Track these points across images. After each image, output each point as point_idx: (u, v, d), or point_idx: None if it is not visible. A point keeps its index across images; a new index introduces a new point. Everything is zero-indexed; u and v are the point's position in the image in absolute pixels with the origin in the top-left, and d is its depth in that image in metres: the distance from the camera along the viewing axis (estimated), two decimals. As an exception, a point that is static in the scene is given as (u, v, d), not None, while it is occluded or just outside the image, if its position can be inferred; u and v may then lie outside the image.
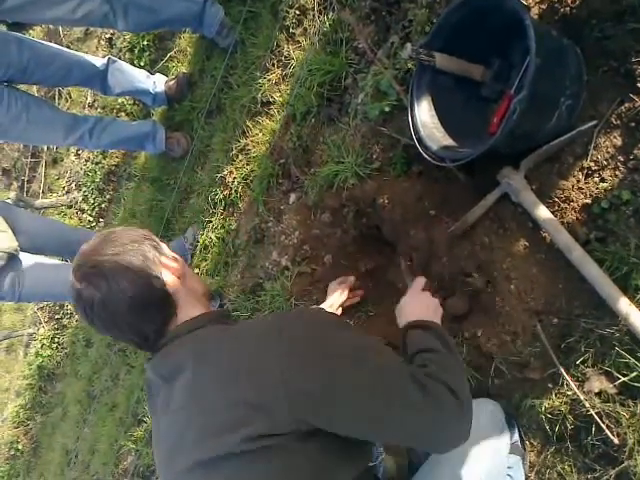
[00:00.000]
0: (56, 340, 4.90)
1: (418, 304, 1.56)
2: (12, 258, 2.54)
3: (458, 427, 1.13)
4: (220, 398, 1.06)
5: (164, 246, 1.30)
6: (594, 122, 1.53)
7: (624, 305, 1.38)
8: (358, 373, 1.08)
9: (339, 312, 2.03)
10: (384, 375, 1.10)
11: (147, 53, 3.79)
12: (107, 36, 4.37)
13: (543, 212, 1.55)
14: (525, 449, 1.59)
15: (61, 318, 4.90)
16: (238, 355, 1.10)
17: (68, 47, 4.51)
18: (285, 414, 1.01)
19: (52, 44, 2.86)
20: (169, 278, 1.22)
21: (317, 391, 1.03)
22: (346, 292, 2.05)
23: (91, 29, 4.63)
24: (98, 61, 3.00)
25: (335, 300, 2.02)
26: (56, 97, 4.83)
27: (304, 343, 1.09)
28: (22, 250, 2.60)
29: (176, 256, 1.32)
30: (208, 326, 1.22)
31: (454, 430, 1.13)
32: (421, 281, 1.69)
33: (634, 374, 1.39)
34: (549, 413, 1.54)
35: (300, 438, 1.03)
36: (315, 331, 1.14)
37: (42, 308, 5.17)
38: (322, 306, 2.01)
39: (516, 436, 1.58)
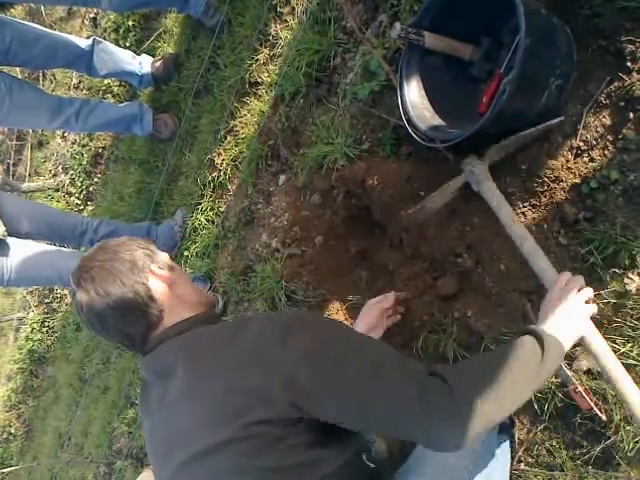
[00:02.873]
0: (46, 324, 4.88)
1: (559, 310, 1.27)
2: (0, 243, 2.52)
3: (447, 432, 1.04)
4: (219, 389, 1.10)
5: (161, 256, 1.37)
6: (561, 118, 1.51)
7: None
8: (356, 367, 1.09)
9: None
10: (380, 369, 1.08)
11: (132, 33, 3.72)
12: (91, 16, 4.28)
13: (501, 202, 1.51)
14: (514, 427, 1.61)
15: (51, 302, 4.87)
16: (236, 349, 1.14)
17: (51, 27, 4.44)
18: (283, 400, 1.05)
19: (35, 25, 2.81)
20: (156, 285, 1.28)
21: (314, 380, 1.06)
22: (388, 313, 1.80)
23: (74, 8, 4.54)
24: (83, 42, 2.94)
25: (372, 323, 1.74)
26: (40, 79, 4.75)
27: (305, 336, 1.12)
28: (10, 235, 2.58)
29: (173, 265, 1.38)
30: (196, 327, 1.27)
31: (442, 433, 1.05)
32: (566, 276, 1.35)
33: (621, 352, 1.41)
34: (538, 392, 1.55)
35: (292, 425, 1.07)
36: (314, 326, 1.18)
37: (31, 292, 5.14)
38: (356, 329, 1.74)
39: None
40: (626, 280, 1.43)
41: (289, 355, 1.08)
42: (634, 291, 1.42)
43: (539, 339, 1.14)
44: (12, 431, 5.35)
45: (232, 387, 1.08)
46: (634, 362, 1.40)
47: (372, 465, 1.28)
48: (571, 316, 1.26)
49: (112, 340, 1.32)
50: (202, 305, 1.38)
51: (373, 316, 1.74)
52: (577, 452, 1.50)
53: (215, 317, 1.42)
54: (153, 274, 1.29)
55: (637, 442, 1.37)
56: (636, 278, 1.42)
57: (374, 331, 1.73)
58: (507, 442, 1.56)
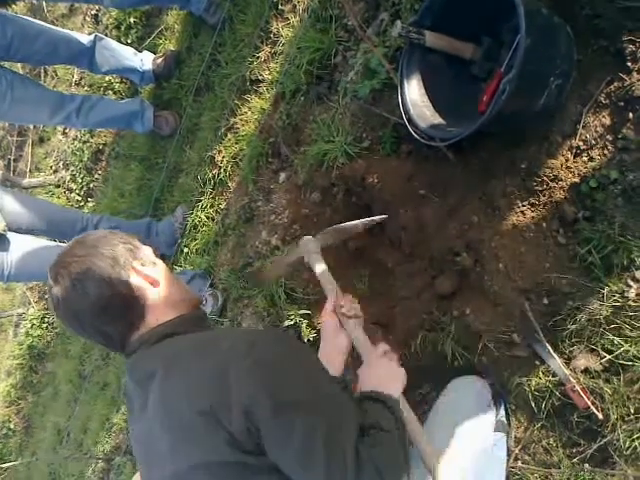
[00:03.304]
0: (46, 320, 4.88)
1: (378, 371, 1.38)
2: (0, 238, 2.52)
3: None
4: (187, 409, 1.06)
5: (145, 251, 1.31)
6: (384, 216, 1.72)
7: None
8: (307, 412, 1.06)
9: None
10: (330, 431, 1.05)
11: (134, 30, 3.72)
12: (93, 12, 4.28)
13: (321, 270, 1.61)
14: (510, 425, 1.62)
15: (51, 298, 4.87)
16: (205, 367, 1.09)
17: (52, 24, 4.42)
18: (240, 427, 1.02)
19: (37, 20, 2.81)
20: (138, 283, 1.22)
21: (266, 410, 1.02)
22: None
23: (76, 5, 4.54)
24: (85, 38, 2.95)
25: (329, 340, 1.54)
26: (42, 75, 4.75)
27: (267, 365, 1.08)
28: (10, 230, 2.58)
29: (156, 261, 1.32)
30: (182, 332, 1.22)
31: None
32: (382, 347, 1.45)
33: (619, 351, 1.42)
34: (536, 390, 1.56)
35: (259, 454, 1.04)
36: (282, 356, 1.13)
37: (31, 288, 5.14)
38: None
39: (502, 412, 1.60)
40: (625, 287, 1.43)
41: (252, 387, 1.03)
42: (633, 296, 1.42)
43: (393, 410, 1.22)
44: (11, 427, 5.36)
45: (199, 410, 1.04)
46: (631, 362, 1.40)
47: None
48: (392, 376, 1.36)
49: (90, 339, 1.25)
50: (185, 304, 1.32)
51: (328, 332, 1.56)
52: (574, 450, 1.51)
53: (199, 318, 1.36)
54: (135, 271, 1.23)
55: (633, 440, 1.37)
56: (634, 284, 1.43)
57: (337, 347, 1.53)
58: (504, 439, 1.57)
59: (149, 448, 1.17)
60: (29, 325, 4.98)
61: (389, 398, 1.25)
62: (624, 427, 1.40)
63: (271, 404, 1.02)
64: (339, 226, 1.73)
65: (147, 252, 1.31)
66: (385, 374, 1.36)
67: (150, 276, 1.25)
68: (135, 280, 1.22)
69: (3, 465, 4.66)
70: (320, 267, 1.62)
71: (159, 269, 1.30)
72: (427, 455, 1.29)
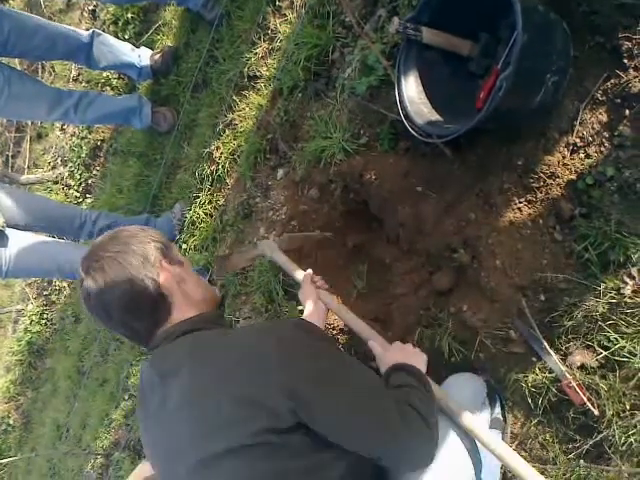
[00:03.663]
0: (45, 316, 4.89)
1: (401, 351, 1.49)
2: (-2, 234, 2.53)
3: (426, 447, 1.22)
4: (220, 397, 1.09)
5: (174, 250, 1.36)
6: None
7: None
8: (345, 383, 1.16)
9: None
10: (367, 388, 1.19)
11: (131, 26, 3.72)
12: (90, 8, 4.28)
13: (285, 261, 1.91)
14: (506, 421, 1.63)
15: (49, 294, 4.88)
16: (237, 356, 1.14)
17: (50, 19, 4.42)
18: (285, 409, 1.06)
19: (34, 16, 2.80)
20: (166, 281, 1.26)
21: (310, 388, 1.09)
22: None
23: (73, 0, 4.54)
24: (82, 34, 2.94)
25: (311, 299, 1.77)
26: (39, 71, 4.74)
27: (301, 348, 1.17)
28: (8, 226, 2.58)
29: (182, 259, 1.37)
30: (203, 329, 1.26)
31: (422, 449, 1.21)
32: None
33: (614, 348, 1.42)
34: (532, 386, 1.57)
35: (294, 431, 1.08)
36: (311, 338, 1.23)
37: (30, 284, 5.15)
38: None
39: (497, 409, 1.61)
40: (621, 284, 1.44)
41: (287, 367, 1.10)
42: (629, 293, 1.42)
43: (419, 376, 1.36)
44: (11, 422, 5.38)
45: (235, 397, 1.08)
46: (627, 359, 1.41)
47: None
48: (416, 356, 1.48)
49: (116, 332, 1.30)
50: (207, 302, 1.39)
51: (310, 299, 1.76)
52: (570, 446, 1.51)
53: (219, 316, 1.42)
54: (164, 269, 1.27)
55: (629, 436, 1.38)
56: (630, 281, 1.43)
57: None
58: (499, 436, 1.57)
59: (171, 441, 1.17)
60: (28, 321, 4.99)
61: (414, 367, 1.37)
62: (619, 423, 1.40)
63: (311, 377, 1.10)
64: (293, 234, 2.15)
65: (175, 251, 1.36)
66: (408, 353, 1.47)
67: (178, 275, 1.30)
68: (164, 278, 1.26)
69: (2, 461, 4.68)
70: (284, 259, 1.92)
71: (185, 268, 1.35)
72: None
